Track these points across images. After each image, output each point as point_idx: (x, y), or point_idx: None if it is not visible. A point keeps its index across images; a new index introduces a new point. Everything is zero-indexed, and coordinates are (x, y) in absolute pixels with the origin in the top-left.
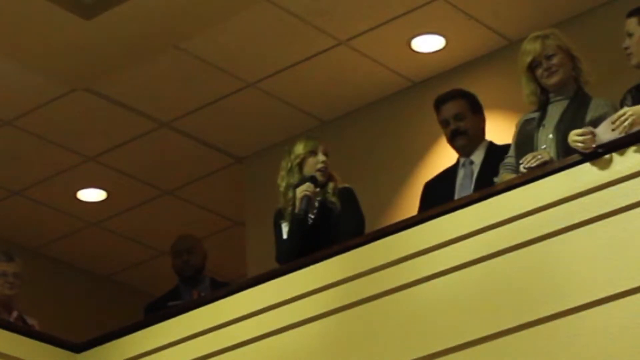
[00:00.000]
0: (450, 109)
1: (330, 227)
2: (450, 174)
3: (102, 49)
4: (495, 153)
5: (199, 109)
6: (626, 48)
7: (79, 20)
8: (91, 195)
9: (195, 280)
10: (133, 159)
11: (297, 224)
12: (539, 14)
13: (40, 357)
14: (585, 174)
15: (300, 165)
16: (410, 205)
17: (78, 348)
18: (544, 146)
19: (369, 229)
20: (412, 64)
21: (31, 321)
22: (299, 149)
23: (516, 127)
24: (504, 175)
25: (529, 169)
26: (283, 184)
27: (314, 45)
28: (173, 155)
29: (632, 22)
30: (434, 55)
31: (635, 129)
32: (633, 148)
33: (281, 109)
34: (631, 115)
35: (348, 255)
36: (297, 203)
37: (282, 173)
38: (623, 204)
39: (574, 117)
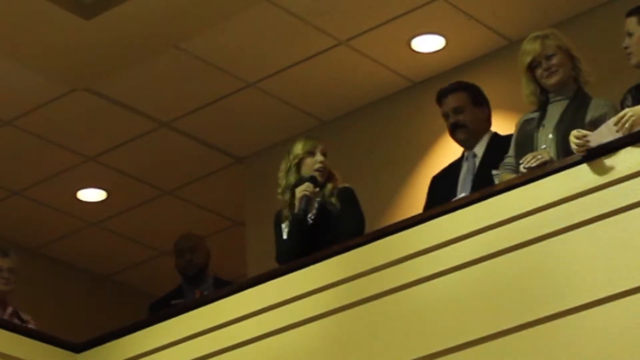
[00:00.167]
0: (450, 102)
1: (330, 227)
2: (454, 168)
3: (102, 49)
4: (499, 144)
5: (199, 109)
6: (626, 47)
7: (79, 20)
8: (91, 195)
9: (198, 279)
10: (133, 159)
11: (297, 224)
12: (539, 14)
13: (40, 357)
14: (585, 174)
15: (298, 165)
16: (410, 205)
17: (78, 348)
18: (544, 146)
19: (369, 229)
20: (412, 64)
21: (26, 317)
22: (297, 149)
23: (516, 127)
24: (504, 175)
25: (529, 169)
26: (282, 185)
27: (314, 45)
28: (173, 155)
29: (631, 21)
30: (434, 55)
31: (635, 129)
32: (633, 148)
33: (281, 109)
34: (631, 116)
35: (348, 255)
36: (297, 203)
37: (281, 174)
38: (623, 204)
39: (574, 117)
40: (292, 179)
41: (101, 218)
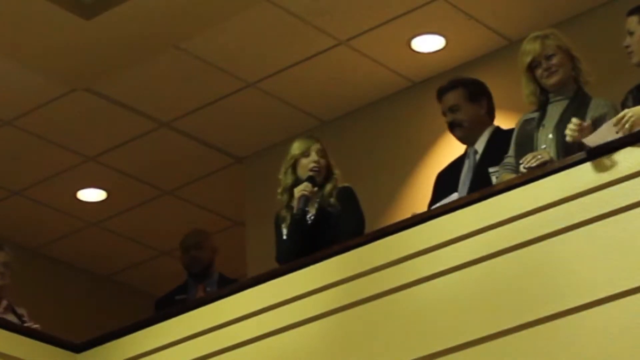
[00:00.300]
0: (446, 100)
1: (330, 227)
2: (457, 164)
3: (102, 49)
4: (500, 139)
5: (199, 109)
6: (627, 47)
7: (79, 20)
8: (91, 195)
9: (204, 276)
10: (133, 159)
11: (296, 223)
12: (539, 14)
13: (40, 357)
14: (585, 174)
15: (294, 166)
16: (411, 204)
17: (78, 348)
18: (543, 146)
19: (369, 229)
20: (412, 64)
21: (21, 311)
22: (293, 150)
23: (516, 127)
24: (504, 175)
25: (529, 169)
26: (280, 185)
27: (314, 45)
28: (173, 155)
29: (632, 20)
30: (434, 55)
31: (635, 130)
32: (633, 148)
33: (281, 109)
34: (631, 116)
35: (348, 255)
36: (295, 203)
37: (281, 175)
38: (623, 204)
39: (573, 117)
40: (289, 179)
41: (101, 218)
